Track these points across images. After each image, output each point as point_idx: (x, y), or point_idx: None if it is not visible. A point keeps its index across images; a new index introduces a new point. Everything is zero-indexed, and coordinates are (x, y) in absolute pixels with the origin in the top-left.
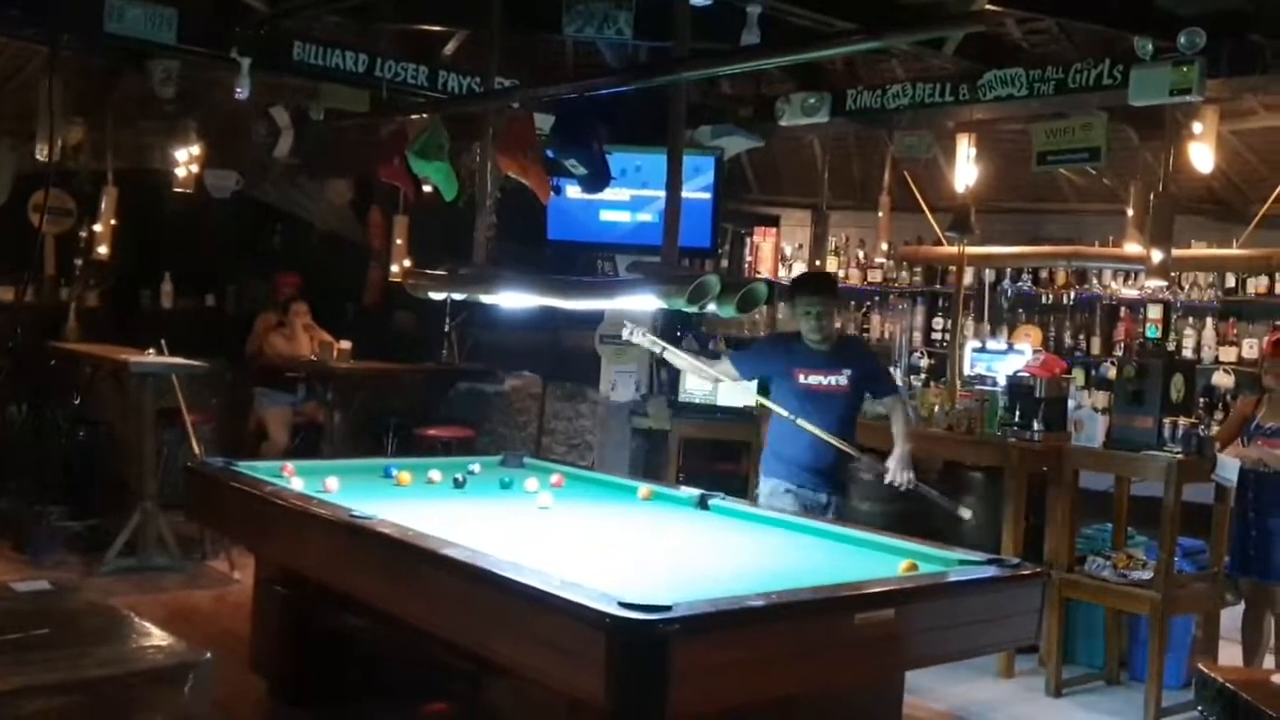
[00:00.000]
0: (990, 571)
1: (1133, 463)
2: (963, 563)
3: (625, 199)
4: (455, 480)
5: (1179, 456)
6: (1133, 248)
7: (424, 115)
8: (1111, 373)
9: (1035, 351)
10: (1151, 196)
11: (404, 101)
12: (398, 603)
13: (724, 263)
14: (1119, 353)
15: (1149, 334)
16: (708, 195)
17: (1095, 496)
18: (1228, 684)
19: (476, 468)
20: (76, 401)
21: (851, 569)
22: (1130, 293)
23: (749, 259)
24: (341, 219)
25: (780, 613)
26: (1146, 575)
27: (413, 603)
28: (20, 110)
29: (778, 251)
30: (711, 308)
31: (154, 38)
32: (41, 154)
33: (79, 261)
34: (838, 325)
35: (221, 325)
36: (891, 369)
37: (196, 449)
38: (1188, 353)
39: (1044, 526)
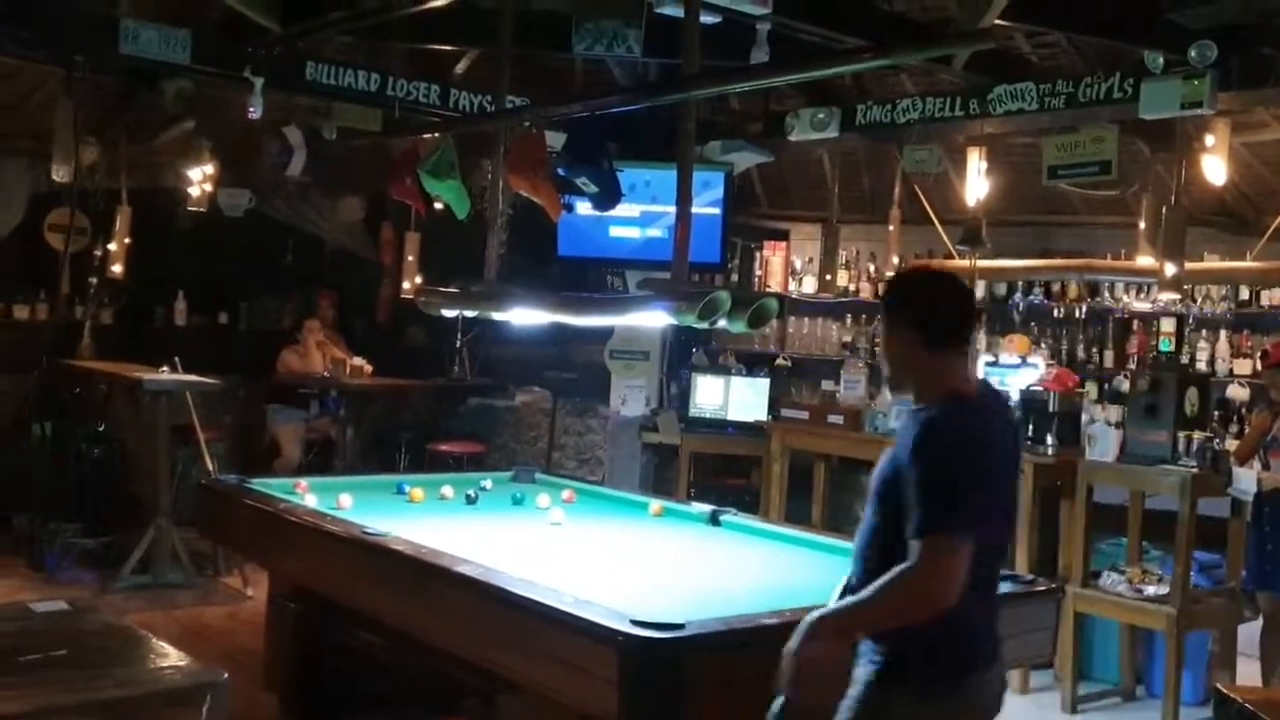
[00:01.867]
0: (1004, 587)
1: (1147, 477)
2: None
3: (635, 215)
4: (468, 496)
5: (1194, 471)
6: (1145, 261)
7: (435, 134)
8: (1125, 386)
9: (1049, 365)
10: (1163, 209)
11: (416, 120)
12: (411, 619)
13: (734, 277)
14: (1132, 366)
15: (1162, 347)
16: (717, 210)
17: (1109, 511)
18: (1247, 704)
19: (488, 484)
20: (100, 427)
21: None
22: (1143, 306)
23: (759, 273)
24: (353, 236)
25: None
26: (1162, 590)
27: (426, 619)
28: (35, 130)
29: (788, 265)
30: (722, 323)
31: (167, 58)
32: (57, 174)
33: (93, 280)
34: (908, 364)
35: (234, 342)
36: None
37: (210, 466)
38: (1201, 366)
39: (1058, 541)
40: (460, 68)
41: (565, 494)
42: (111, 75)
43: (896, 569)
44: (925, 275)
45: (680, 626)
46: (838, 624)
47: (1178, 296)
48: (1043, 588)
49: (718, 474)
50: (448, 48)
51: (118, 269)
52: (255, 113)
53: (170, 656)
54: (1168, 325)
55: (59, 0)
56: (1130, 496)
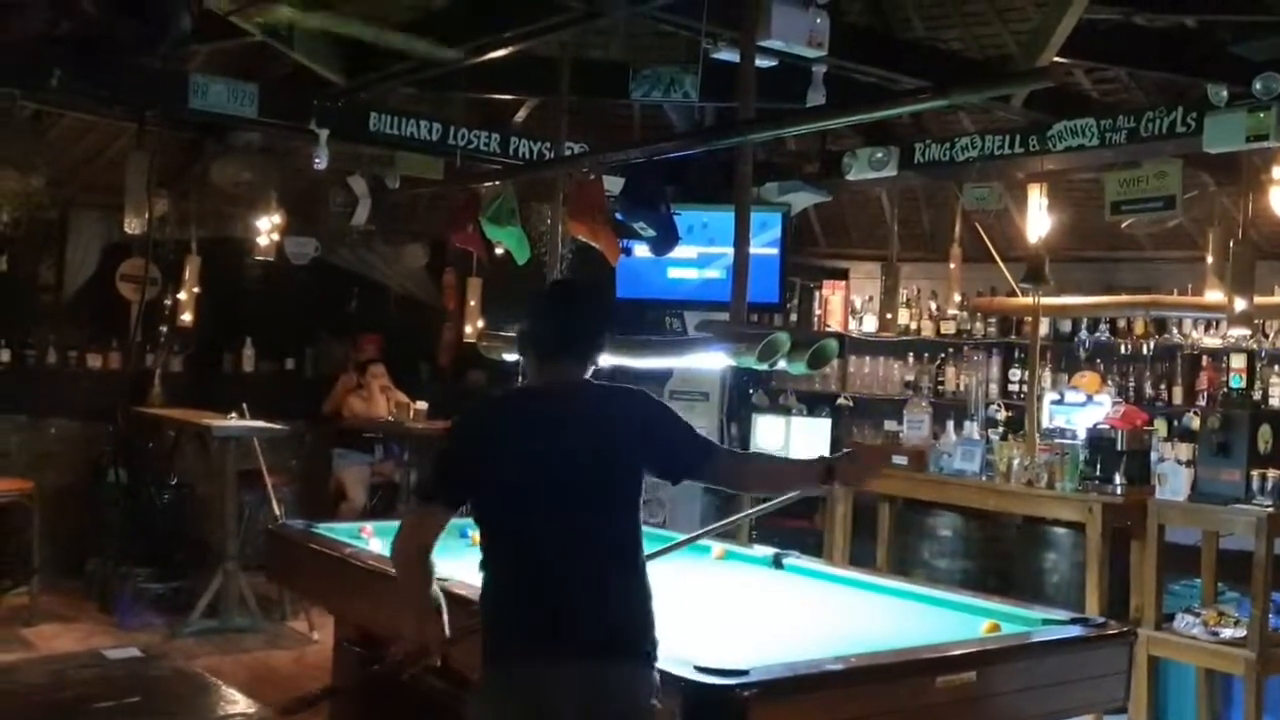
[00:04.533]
0: (1075, 631)
1: (1220, 517)
2: (1046, 622)
3: (693, 256)
4: None
5: (1269, 509)
6: (1213, 295)
7: (496, 181)
8: (1195, 424)
9: (1115, 402)
10: (1231, 243)
11: (477, 168)
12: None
13: (793, 316)
14: (1202, 403)
15: (1233, 383)
16: (775, 251)
17: (1182, 551)
18: None
19: None
20: (174, 480)
21: (932, 630)
22: (1212, 341)
23: (818, 312)
24: (416, 282)
25: (859, 676)
26: (1239, 633)
27: None
28: (109, 184)
29: (847, 305)
30: (782, 364)
31: (235, 111)
32: (129, 226)
33: (163, 328)
34: None
35: (300, 388)
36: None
37: (277, 510)
38: (1274, 402)
39: (1129, 583)
40: (520, 116)
41: None
42: (181, 129)
43: None
44: (542, 289)
45: (744, 673)
46: None
47: (1248, 331)
48: (1114, 631)
49: (780, 515)
50: (508, 97)
51: (187, 317)
52: (321, 163)
53: (239, 703)
54: (1238, 361)
55: (132, 57)
56: (1203, 536)
